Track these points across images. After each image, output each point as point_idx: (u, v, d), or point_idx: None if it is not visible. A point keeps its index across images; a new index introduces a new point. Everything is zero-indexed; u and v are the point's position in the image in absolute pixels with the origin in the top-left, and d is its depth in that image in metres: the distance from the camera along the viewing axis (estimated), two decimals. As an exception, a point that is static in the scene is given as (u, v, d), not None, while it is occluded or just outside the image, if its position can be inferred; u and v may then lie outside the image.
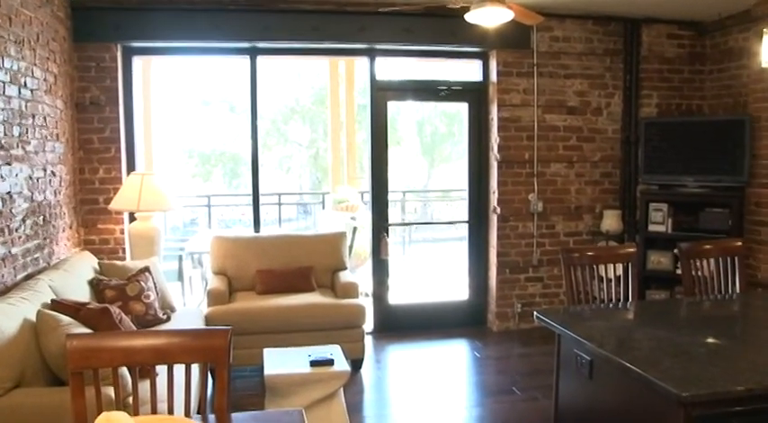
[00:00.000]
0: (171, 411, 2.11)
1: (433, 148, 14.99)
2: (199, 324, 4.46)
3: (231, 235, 5.57)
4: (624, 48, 5.97)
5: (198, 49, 5.57)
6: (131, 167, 5.36)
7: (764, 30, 3.34)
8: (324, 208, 10.40)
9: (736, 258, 3.65)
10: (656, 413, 2.17)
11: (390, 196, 6.16)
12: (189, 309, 5.43)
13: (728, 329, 2.95)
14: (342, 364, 3.71)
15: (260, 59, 5.61)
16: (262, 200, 5.85)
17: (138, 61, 5.56)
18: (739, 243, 3.76)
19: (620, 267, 3.60)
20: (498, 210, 5.90)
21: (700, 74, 6.10)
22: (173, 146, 12.86)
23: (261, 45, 5.49)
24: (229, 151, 14.27)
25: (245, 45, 5.46)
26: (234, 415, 2.09)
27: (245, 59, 5.57)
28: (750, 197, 5.43)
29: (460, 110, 6.33)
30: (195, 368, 2.43)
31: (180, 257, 7.07)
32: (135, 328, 3.71)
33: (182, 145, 13.72)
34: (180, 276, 6.97)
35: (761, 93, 5.29)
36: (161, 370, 2.07)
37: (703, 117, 6.02)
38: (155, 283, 4.44)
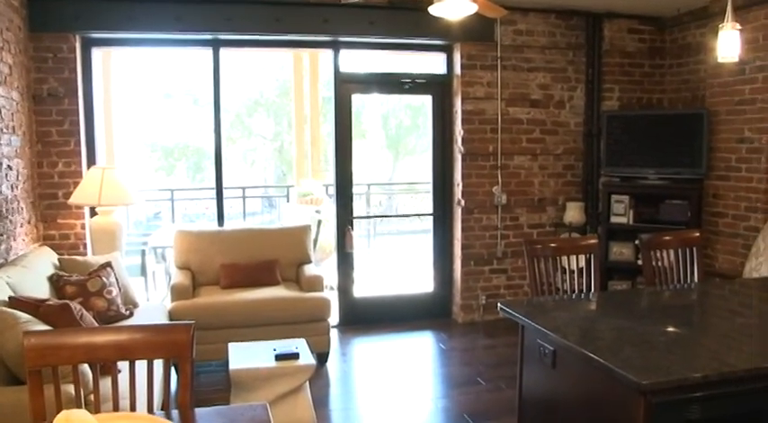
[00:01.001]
0: (133, 408, 2.08)
1: (398, 140, 14.97)
2: (162, 319, 4.40)
3: (195, 229, 5.50)
4: (586, 42, 6.04)
5: (160, 41, 5.47)
6: (92, 161, 5.26)
7: (720, 26, 3.40)
8: (288, 201, 10.34)
9: (695, 249, 3.73)
10: (617, 401, 2.20)
11: (355, 189, 6.15)
12: (152, 304, 5.36)
13: (687, 318, 3.02)
14: (307, 358, 3.70)
15: (223, 51, 5.53)
16: (226, 193, 5.80)
17: (97, 52, 5.45)
18: (697, 234, 3.85)
19: (582, 259, 3.65)
20: (462, 202, 5.93)
21: (660, 68, 6.21)
22: (135, 139, 12.63)
23: (223, 37, 5.41)
24: (193, 145, 14.05)
25: (208, 37, 5.39)
26: (197, 410, 2.07)
27: (208, 51, 5.50)
28: (708, 189, 5.56)
29: (425, 102, 6.34)
30: (158, 364, 2.39)
31: (143, 252, 6.96)
32: (97, 324, 3.64)
33: (144, 138, 13.47)
34: (143, 271, 6.87)
35: (717, 87, 5.41)
36: (123, 366, 2.04)
37: (663, 111, 6.13)
38: (117, 279, 4.37)
